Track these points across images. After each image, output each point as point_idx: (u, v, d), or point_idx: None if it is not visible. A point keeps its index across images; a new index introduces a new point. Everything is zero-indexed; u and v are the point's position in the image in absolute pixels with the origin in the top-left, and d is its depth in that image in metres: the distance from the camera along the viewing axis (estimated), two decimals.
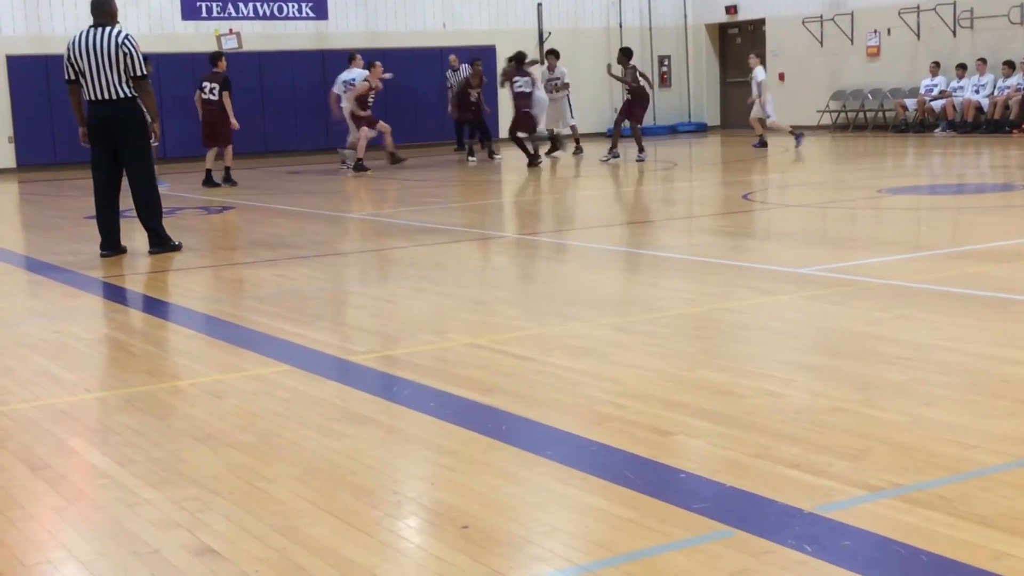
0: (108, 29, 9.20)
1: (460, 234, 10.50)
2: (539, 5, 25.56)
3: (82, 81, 9.26)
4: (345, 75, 18.50)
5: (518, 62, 18.66)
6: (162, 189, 16.32)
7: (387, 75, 18.65)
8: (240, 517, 3.43)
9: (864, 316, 5.92)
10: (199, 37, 21.86)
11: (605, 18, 26.38)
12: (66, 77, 9.37)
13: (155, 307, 7.52)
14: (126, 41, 9.20)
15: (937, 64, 21.97)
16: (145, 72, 9.29)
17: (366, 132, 18.04)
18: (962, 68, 21.44)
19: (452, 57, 20.80)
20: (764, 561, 2.96)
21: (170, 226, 10.18)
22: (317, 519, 3.39)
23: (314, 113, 23.07)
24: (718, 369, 5.00)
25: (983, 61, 21.19)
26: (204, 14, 22.40)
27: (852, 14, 23.82)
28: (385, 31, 23.52)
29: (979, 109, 20.97)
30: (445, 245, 9.88)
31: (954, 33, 22.16)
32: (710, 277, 7.49)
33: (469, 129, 20.02)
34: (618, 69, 18.73)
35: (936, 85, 21.86)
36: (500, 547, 3.15)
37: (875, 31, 23.55)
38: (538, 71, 19.23)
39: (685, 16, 27.30)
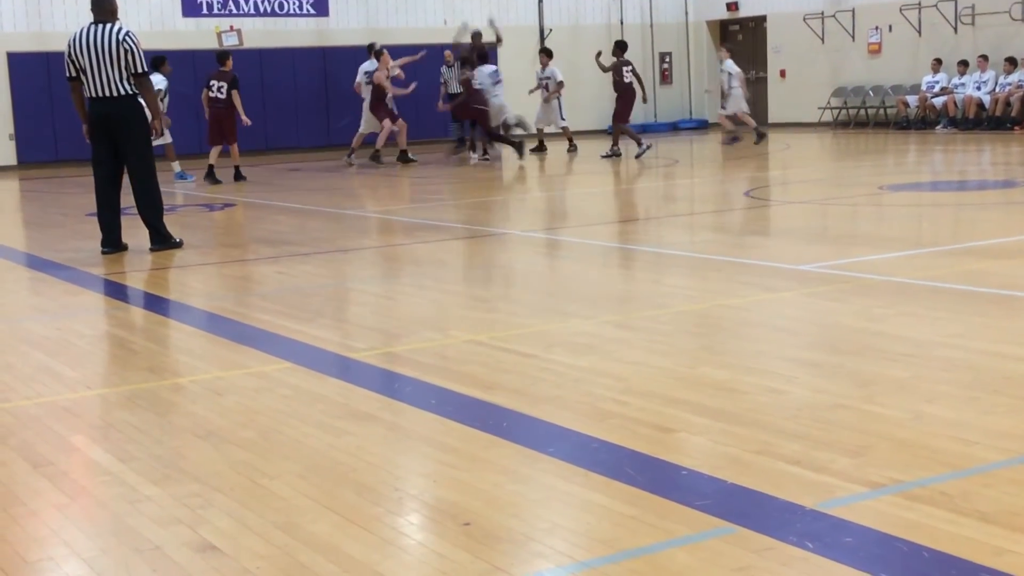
0: (109, 26, 9.20)
1: (461, 231, 10.50)
2: (540, 1, 25.55)
3: (83, 78, 9.25)
4: (367, 65, 18.68)
5: (476, 61, 18.78)
6: (187, 183, 16.50)
7: (397, 69, 18.70)
8: (241, 514, 3.43)
9: (866, 313, 5.92)
10: (200, 34, 21.86)
11: (606, 15, 26.37)
12: (67, 74, 9.37)
13: (156, 304, 7.52)
14: (127, 38, 9.20)
15: (939, 61, 21.95)
16: (146, 69, 9.29)
17: (388, 125, 18.24)
18: (963, 65, 21.43)
19: (448, 52, 20.74)
20: (766, 558, 2.95)
21: (171, 223, 10.18)
22: (318, 516, 3.39)
23: (315, 110, 23.08)
24: (720, 366, 5.00)
25: (984, 58, 21.17)
26: (205, 11, 22.38)
27: (853, 11, 23.81)
28: (386, 27, 23.51)
29: (980, 106, 20.96)
30: (446, 242, 9.87)
31: (955, 30, 22.15)
32: (712, 274, 7.49)
33: (470, 124, 19.96)
34: (608, 59, 18.69)
35: (938, 82, 21.85)
36: (501, 544, 3.15)
37: (876, 28, 23.54)
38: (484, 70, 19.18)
39: (686, 13, 27.29)
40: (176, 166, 16.98)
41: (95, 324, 6.87)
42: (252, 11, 22.77)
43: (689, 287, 7.19)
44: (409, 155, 18.78)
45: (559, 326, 6.01)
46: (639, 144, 18.21)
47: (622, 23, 26.18)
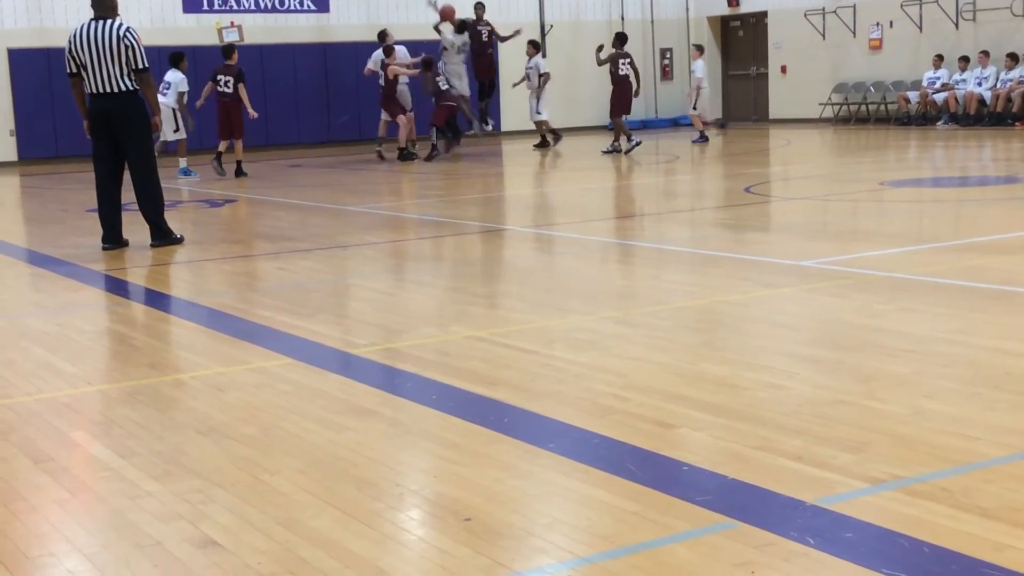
0: (109, 22, 9.20)
1: (461, 227, 10.49)
2: None
3: (83, 74, 9.25)
4: (379, 53, 18.82)
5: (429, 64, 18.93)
6: (191, 179, 16.56)
7: (406, 68, 18.76)
8: (242, 509, 3.44)
9: (866, 309, 5.92)
10: (200, 30, 21.84)
11: (607, 11, 26.35)
12: (67, 70, 9.36)
13: (157, 300, 7.52)
14: (127, 34, 9.19)
15: (940, 57, 21.93)
16: (146, 65, 9.29)
17: (402, 120, 18.34)
18: (964, 61, 21.41)
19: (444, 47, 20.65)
20: (767, 553, 2.96)
21: (172, 219, 10.19)
22: (319, 511, 3.39)
23: (316, 106, 23.06)
24: (720, 362, 5.00)
25: (986, 54, 21.15)
26: (205, 7, 22.36)
27: (854, 7, 23.78)
28: (386, 23, 23.45)
29: (981, 102, 20.94)
30: (447, 238, 9.87)
31: (956, 25, 22.13)
32: (712, 270, 7.49)
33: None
34: (607, 51, 18.68)
35: (938, 78, 21.83)
36: (502, 539, 3.15)
37: (877, 24, 23.51)
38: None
39: (687, 9, 27.26)
40: (183, 162, 17.01)
41: (96, 320, 6.87)
42: (253, 7, 22.75)
43: (689, 283, 7.19)
44: (410, 151, 18.77)
45: (559, 322, 6.01)
46: (629, 139, 18.21)
47: (623, 19, 26.16)
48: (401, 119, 18.52)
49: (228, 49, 17.07)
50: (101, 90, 9.22)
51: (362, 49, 21.83)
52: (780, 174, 15.09)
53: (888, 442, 3.80)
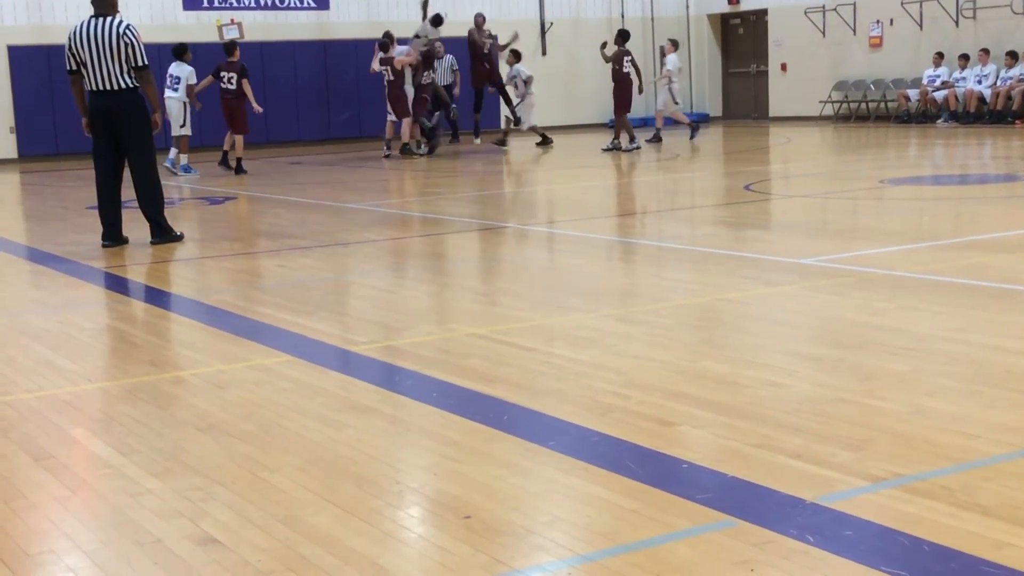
0: (109, 19, 9.19)
1: (462, 224, 10.50)
2: None
3: (83, 71, 9.25)
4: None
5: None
6: (191, 176, 16.62)
7: (411, 58, 18.87)
8: (242, 507, 3.44)
9: (866, 307, 5.92)
10: (200, 27, 21.84)
11: (607, 8, 26.35)
12: (67, 67, 9.36)
13: (157, 297, 7.52)
14: (127, 31, 9.19)
15: (940, 54, 21.93)
16: (146, 62, 9.28)
17: (408, 120, 18.46)
18: (965, 58, 21.41)
19: (437, 44, 20.55)
20: (766, 551, 2.96)
21: (172, 217, 10.19)
22: (319, 509, 3.40)
23: (316, 104, 23.06)
24: (721, 360, 5.00)
25: (986, 51, 21.15)
26: (206, 4, 22.37)
27: (855, 4, 23.78)
28: (387, 21, 23.46)
29: (981, 100, 20.94)
30: (447, 235, 9.87)
31: (957, 23, 22.13)
32: (713, 268, 7.49)
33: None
34: (611, 49, 18.68)
35: (939, 75, 21.83)
36: (502, 537, 3.15)
37: (878, 21, 23.51)
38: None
39: (687, 6, 27.26)
40: (183, 159, 17.04)
41: (96, 317, 6.87)
42: (253, 4, 22.75)
43: (690, 281, 7.19)
44: (412, 148, 18.81)
45: (560, 320, 6.01)
46: (632, 140, 18.21)
47: (623, 17, 26.16)
48: (407, 120, 18.62)
49: (230, 46, 17.19)
50: (101, 87, 9.22)
51: (362, 46, 21.84)
52: (780, 172, 15.09)
53: (888, 440, 3.80)
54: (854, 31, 23.90)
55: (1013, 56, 20.71)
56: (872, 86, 23.36)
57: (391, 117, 18.95)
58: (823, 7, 24.31)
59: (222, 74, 16.90)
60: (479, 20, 21.01)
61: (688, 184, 14.29)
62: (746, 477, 3.50)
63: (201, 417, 4.44)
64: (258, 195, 14.10)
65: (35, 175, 18.66)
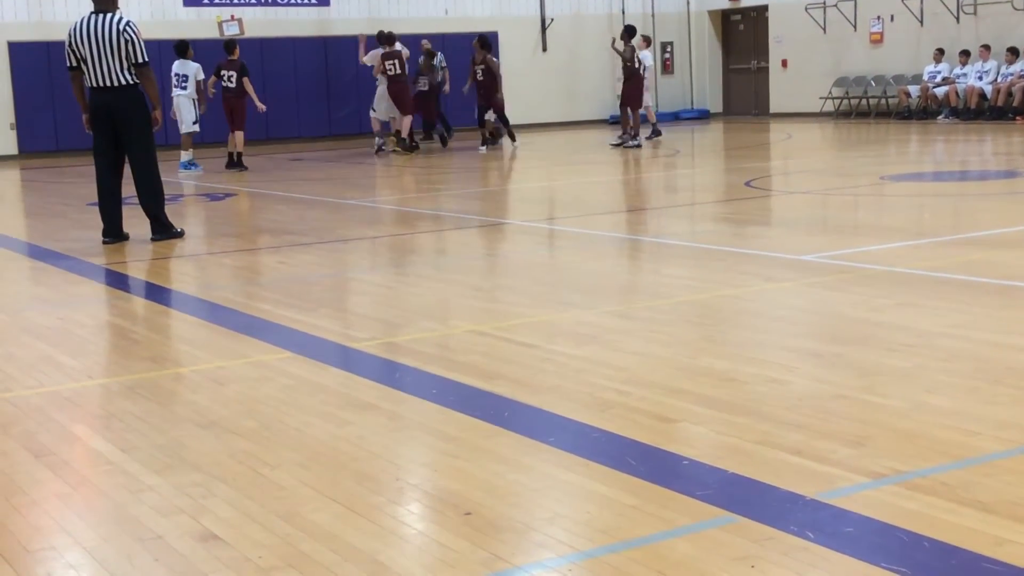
0: (109, 16, 9.19)
1: (462, 221, 10.50)
2: None
3: (83, 68, 9.25)
4: (376, 51, 19.06)
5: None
6: (195, 172, 16.68)
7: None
8: (243, 503, 3.44)
9: (867, 303, 5.92)
10: (201, 23, 21.83)
11: (608, 5, 26.33)
12: (67, 64, 9.36)
13: (157, 294, 7.52)
14: (127, 28, 9.19)
15: (940, 51, 21.92)
16: (146, 59, 9.28)
17: (407, 121, 18.57)
18: (965, 55, 21.39)
19: (425, 42, 20.46)
20: (766, 547, 2.96)
21: (172, 213, 10.19)
22: (320, 505, 3.40)
23: (316, 100, 23.05)
24: (721, 356, 5.00)
25: (986, 48, 21.14)
26: (206, 0, 22.35)
27: (855, 1, 23.76)
28: (387, 18, 23.47)
29: (982, 96, 20.92)
30: (447, 232, 9.87)
31: (957, 19, 22.11)
32: (713, 264, 7.49)
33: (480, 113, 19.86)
34: (620, 45, 18.63)
35: (939, 72, 21.81)
36: (502, 533, 3.15)
37: (878, 17, 23.50)
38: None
39: (688, 3, 27.25)
40: (184, 155, 17.09)
41: (96, 314, 6.87)
42: (253, 0, 22.74)
43: (690, 277, 7.18)
44: (408, 143, 18.84)
45: (560, 316, 6.01)
46: (634, 136, 18.19)
47: (624, 13, 26.14)
48: (408, 118, 18.71)
49: (230, 44, 17.28)
50: (101, 84, 9.22)
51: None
52: (781, 168, 15.08)
53: (888, 436, 3.80)
54: (855, 27, 23.88)
55: (1014, 52, 20.70)
56: (873, 82, 23.35)
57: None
58: (824, 3, 24.30)
59: (222, 72, 17.02)
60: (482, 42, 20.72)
61: (688, 180, 14.29)
62: (746, 473, 3.50)
63: (202, 413, 4.44)
64: (258, 191, 14.10)
65: (36, 171, 18.67)
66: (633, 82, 18.24)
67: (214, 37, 19.69)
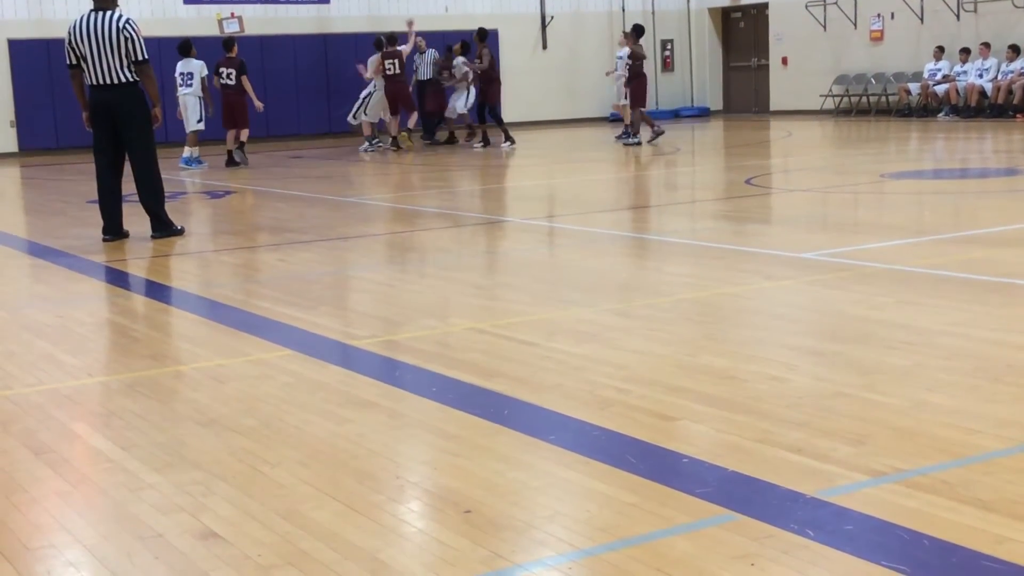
0: (109, 13, 9.18)
1: (462, 218, 10.50)
2: None
3: (83, 66, 9.24)
4: (376, 56, 19.11)
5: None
6: (197, 169, 16.73)
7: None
8: (243, 501, 3.44)
9: (867, 301, 5.92)
10: (201, 21, 21.82)
11: (608, 2, 26.31)
12: (67, 62, 9.35)
13: (157, 292, 7.52)
14: (127, 26, 9.18)
15: (941, 48, 21.91)
16: (146, 57, 9.28)
17: (401, 118, 18.76)
18: (966, 52, 21.38)
19: (419, 40, 20.36)
20: (766, 545, 2.96)
21: (172, 211, 10.18)
22: (320, 503, 3.40)
23: (316, 97, 23.04)
24: (721, 354, 5.00)
25: (987, 45, 21.13)
26: None
27: None
28: (387, 15, 23.46)
29: (982, 93, 20.92)
30: (447, 230, 9.87)
31: (958, 17, 22.10)
32: (713, 262, 7.49)
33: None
34: (632, 42, 18.56)
35: (939, 69, 21.81)
36: (502, 531, 3.15)
37: (878, 15, 23.49)
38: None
39: (688, 0, 27.23)
40: (186, 151, 17.14)
41: (96, 311, 6.87)
42: None
43: (690, 275, 7.18)
44: (400, 143, 18.93)
45: (560, 314, 6.01)
46: (634, 134, 18.15)
47: (624, 10, 26.13)
48: (412, 115, 18.80)
49: (229, 42, 17.35)
50: (101, 81, 9.21)
51: (362, 40, 21.80)
52: (781, 166, 15.08)
53: (888, 435, 3.80)
54: (855, 25, 23.87)
55: (1014, 50, 20.68)
56: (873, 80, 23.34)
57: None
58: (824, 1, 24.29)
59: (221, 70, 17.09)
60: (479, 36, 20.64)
61: (688, 178, 14.29)
62: (746, 471, 3.50)
63: (202, 411, 4.44)
64: (258, 189, 14.09)
65: (36, 169, 18.66)
66: (639, 81, 18.20)
67: (214, 35, 19.70)
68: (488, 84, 19.11)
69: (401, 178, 15.50)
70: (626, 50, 19.06)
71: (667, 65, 27.23)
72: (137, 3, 21.05)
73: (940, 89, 21.56)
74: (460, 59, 19.41)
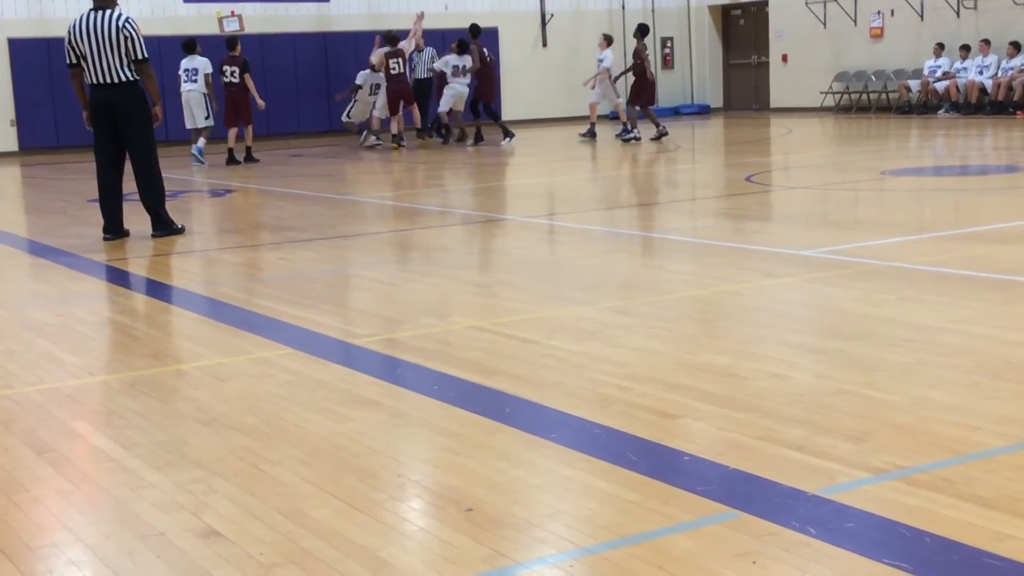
0: (109, 12, 9.18)
1: (462, 217, 10.49)
2: None
3: (84, 65, 9.24)
4: (380, 51, 19.11)
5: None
6: (198, 167, 16.80)
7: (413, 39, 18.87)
8: (244, 500, 3.44)
9: (867, 298, 5.92)
10: (201, 19, 21.81)
11: (608, 0, 26.28)
12: (67, 61, 9.35)
13: (158, 290, 7.52)
14: (127, 24, 9.18)
15: (941, 45, 21.90)
16: (146, 55, 9.27)
17: (401, 115, 18.83)
18: (966, 49, 21.38)
19: (419, 39, 20.37)
20: (768, 543, 2.96)
21: (173, 209, 10.18)
22: (321, 502, 3.40)
23: (316, 95, 23.03)
24: (722, 352, 5.00)
25: (987, 42, 21.12)
26: None
27: None
28: (387, 13, 23.45)
29: (983, 90, 20.91)
30: (447, 228, 9.87)
31: (958, 14, 22.09)
32: (713, 260, 7.49)
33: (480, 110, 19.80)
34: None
35: (940, 66, 21.80)
36: (504, 530, 3.15)
37: (878, 12, 23.48)
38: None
39: None
40: (196, 146, 17.27)
41: (97, 310, 6.87)
42: None
43: (690, 273, 7.19)
44: (399, 139, 18.94)
45: (561, 312, 6.01)
46: (630, 130, 18.16)
47: (624, 8, 26.12)
48: (414, 112, 18.87)
49: (232, 41, 17.46)
50: (101, 80, 9.21)
51: (362, 39, 21.80)
52: (781, 163, 15.08)
53: (889, 432, 3.80)
54: (855, 22, 23.86)
55: (1015, 46, 20.67)
56: (873, 77, 23.33)
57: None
58: None
59: (224, 68, 17.20)
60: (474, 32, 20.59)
61: (689, 176, 14.28)
62: (747, 469, 3.51)
63: (202, 410, 4.45)
64: (259, 187, 14.10)
65: (36, 168, 18.66)
66: (641, 81, 18.20)
67: (215, 33, 19.70)
68: (481, 81, 19.09)
69: (401, 176, 15.49)
70: (607, 52, 19.03)
71: (667, 62, 27.22)
72: (137, 2, 21.04)
73: (940, 86, 21.55)
74: (443, 60, 19.50)
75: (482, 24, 20.63)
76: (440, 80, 19.79)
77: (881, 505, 3.18)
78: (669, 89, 26.94)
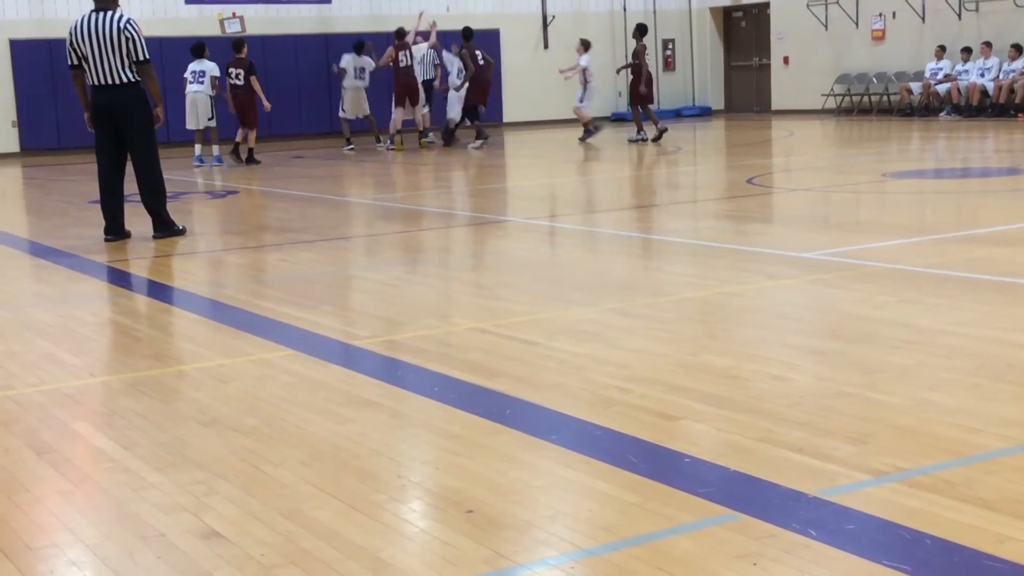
0: (110, 14, 9.18)
1: (463, 218, 10.50)
2: None
3: (85, 66, 9.24)
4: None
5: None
6: (197, 165, 16.91)
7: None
8: (245, 501, 3.44)
9: (869, 300, 5.92)
10: (202, 21, 21.82)
11: (609, 1, 26.30)
12: (69, 62, 9.35)
13: (159, 292, 7.52)
14: (128, 26, 9.18)
15: (942, 48, 21.90)
16: (147, 56, 9.28)
17: (413, 111, 18.85)
18: (967, 52, 21.37)
19: (419, 38, 20.40)
20: (768, 545, 2.96)
21: (174, 211, 10.19)
22: (322, 503, 3.40)
23: (318, 97, 23.04)
24: (722, 353, 5.00)
25: (988, 45, 21.12)
26: None
27: None
28: (388, 14, 23.46)
29: (984, 93, 20.90)
30: (448, 229, 9.87)
31: (959, 16, 22.09)
32: (714, 261, 7.49)
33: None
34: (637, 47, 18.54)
35: (941, 69, 21.80)
36: (504, 531, 3.15)
37: (880, 14, 23.48)
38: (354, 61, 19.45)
39: (689, 0, 27.22)
40: (198, 149, 17.40)
41: (98, 311, 6.87)
42: None
43: (692, 274, 7.19)
44: (393, 141, 19.02)
45: (561, 313, 6.01)
46: (639, 131, 18.20)
47: (625, 10, 26.12)
48: (419, 109, 18.90)
49: (238, 43, 17.66)
50: (102, 82, 9.22)
51: (363, 39, 21.78)
52: (782, 165, 15.08)
53: (890, 434, 3.80)
54: (856, 24, 23.86)
55: (1016, 49, 20.67)
56: (874, 79, 23.33)
57: (398, 112, 19.08)
58: (825, 0, 24.27)
59: (230, 70, 17.34)
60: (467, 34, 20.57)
61: (690, 177, 14.28)
62: (748, 471, 3.50)
63: (203, 411, 4.45)
64: (260, 189, 14.10)
65: (37, 169, 18.67)
66: (638, 79, 18.19)
67: (216, 35, 19.71)
68: (473, 84, 19.06)
69: (403, 177, 15.49)
70: (585, 56, 19.02)
71: (668, 64, 27.23)
72: (139, 3, 21.05)
73: (942, 88, 21.55)
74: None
75: (483, 26, 20.66)
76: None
77: (882, 507, 3.18)
78: (670, 91, 26.94)
